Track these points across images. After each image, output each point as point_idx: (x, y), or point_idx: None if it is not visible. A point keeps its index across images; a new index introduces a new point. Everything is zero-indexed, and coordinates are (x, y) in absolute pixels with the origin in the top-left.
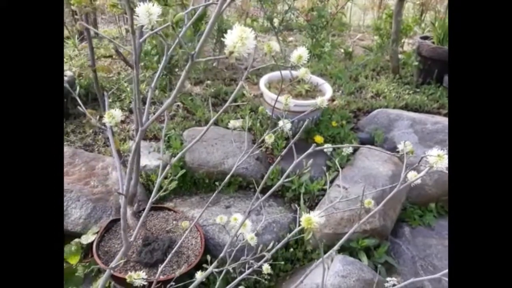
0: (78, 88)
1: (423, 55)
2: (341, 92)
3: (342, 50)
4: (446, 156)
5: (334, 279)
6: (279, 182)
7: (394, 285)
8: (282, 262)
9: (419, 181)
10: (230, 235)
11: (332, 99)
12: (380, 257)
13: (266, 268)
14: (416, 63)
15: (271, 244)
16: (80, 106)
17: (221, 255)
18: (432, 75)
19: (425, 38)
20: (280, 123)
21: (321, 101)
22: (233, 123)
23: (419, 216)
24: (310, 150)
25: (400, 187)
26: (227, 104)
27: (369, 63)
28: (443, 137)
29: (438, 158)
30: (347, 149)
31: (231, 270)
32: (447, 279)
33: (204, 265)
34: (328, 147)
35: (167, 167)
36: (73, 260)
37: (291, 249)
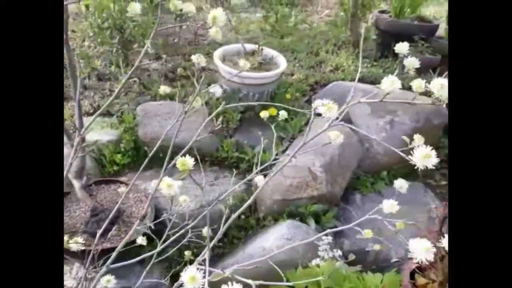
0: None
1: (381, 29)
2: (300, 67)
3: (307, 26)
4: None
5: (279, 241)
6: None
7: (328, 243)
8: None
9: (371, 150)
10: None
11: (292, 73)
12: (329, 222)
13: (206, 231)
14: (374, 37)
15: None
16: None
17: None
18: (389, 48)
19: (383, 12)
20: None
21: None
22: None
23: (371, 184)
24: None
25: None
26: None
27: (331, 37)
28: (394, 107)
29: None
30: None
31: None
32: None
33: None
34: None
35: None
36: None
37: (242, 216)
